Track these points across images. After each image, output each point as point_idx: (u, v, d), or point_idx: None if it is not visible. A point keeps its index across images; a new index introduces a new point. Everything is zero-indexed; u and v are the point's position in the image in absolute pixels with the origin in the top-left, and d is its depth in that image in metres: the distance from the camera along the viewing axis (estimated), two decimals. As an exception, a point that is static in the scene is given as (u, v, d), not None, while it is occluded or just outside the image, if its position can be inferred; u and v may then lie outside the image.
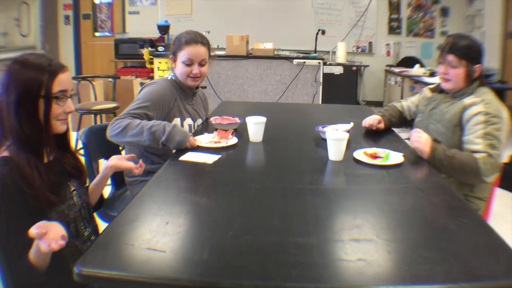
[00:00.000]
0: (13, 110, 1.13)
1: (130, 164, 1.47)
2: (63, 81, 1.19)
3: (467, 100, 1.79)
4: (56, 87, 1.17)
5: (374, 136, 2.02)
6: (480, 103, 1.74)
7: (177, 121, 1.99)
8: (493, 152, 1.64)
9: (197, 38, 2.01)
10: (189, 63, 1.99)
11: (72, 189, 1.30)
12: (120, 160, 1.47)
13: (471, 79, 1.82)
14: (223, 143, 1.78)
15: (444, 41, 1.88)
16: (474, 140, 1.69)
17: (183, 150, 1.70)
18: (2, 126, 1.16)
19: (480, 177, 1.62)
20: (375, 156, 1.64)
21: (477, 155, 1.64)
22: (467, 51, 1.79)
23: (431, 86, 2.09)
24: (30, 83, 1.14)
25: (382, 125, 2.09)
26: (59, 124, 1.22)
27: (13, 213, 1.09)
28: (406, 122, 2.18)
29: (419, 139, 1.68)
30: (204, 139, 1.81)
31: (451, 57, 1.81)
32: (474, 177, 1.65)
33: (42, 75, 1.15)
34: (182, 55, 1.99)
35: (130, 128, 1.74)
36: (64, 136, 1.30)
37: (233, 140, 1.83)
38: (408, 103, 2.18)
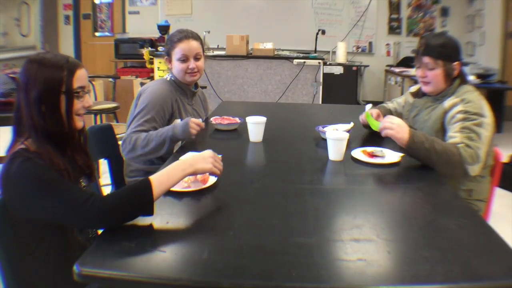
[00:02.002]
0: (35, 107, 1.16)
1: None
2: (81, 77, 1.23)
3: (448, 103, 1.74)
4: (76, 83, 1.21)
5: (374, 136, 2.01)
6: (460, 104, 1.69)
7: (177, 122, 1.99)
8: (471, 143, 1.58)
9: (188, 34, 2.03)
10: (184, 59, 2.01)
11: (83, 185, 1.31)
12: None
13: (450, 78, 1.78)
14: (194, 187, 1.34)
15: (418, 43, 1.83)
16: (452, 135, 1.65)
17: (183, 150, 1.70)
18: (20, 123, 1.19)
19: (463, 164, 1.54)
20: (372, 155, 1.64)
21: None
22: (442, 50, 1.74)
23: (412, 90, 2.05)
24: (51, 80, 1.16)
25: (381, 118, 2.01)
26: (78, 119, 1.25)
27: (60, 178, 1.10)
28: None
29: (392, 124, 1.57)
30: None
31: (426, 59, 1.76)
32: (457, 165, 1.55)
33: (61, 72, 1.18)
34: (176, 53, 2.01)
35: (139, 144, 1.80)
36: (78, 134, 1.32)
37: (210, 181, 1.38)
38: (395, 104, 2.15)
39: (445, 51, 1.75)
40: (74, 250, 1.23)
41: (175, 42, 2.01)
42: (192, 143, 1.87)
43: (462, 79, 1.80)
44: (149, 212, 1.09)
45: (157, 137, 1.80)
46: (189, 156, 1.21)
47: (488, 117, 1.66)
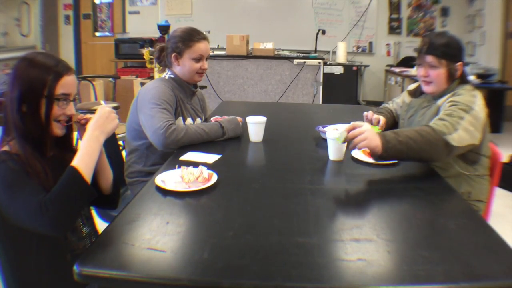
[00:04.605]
0: (16, 106, 1.15)
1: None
2: (67, 84, 1.19)
3: (441, 100, 1.73)
4: (59, 89, 1.18)
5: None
6: (451, 97, 1.67)
7: (179, 120, 1.98)
8: (446, 117, 1.53)
9: (204, 34, 2.05)
10: (199, 59, 2.02)
11: None
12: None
13: (453, 78, 1.74)
14: (194, 187, 1.33)
15: (421, 41, 1.78)
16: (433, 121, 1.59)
17: (183, 150, 1.70)
18: (7, 121, 1.18)
19: (441, 137, 1.48)
20: None
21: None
22: (446, 49, 1.70)
23: (410, 88, 2.02)
24: (34, 82, 1.15)
25: (382, 125, 1.99)
26: (57, 126, 1.22)
27: (24, 183, 1.08)
28: (396, 124, 2.09)
29: (361, 136, 1.41)
30: (173, 176, 1.39)
31: (430, 58, 1.71)
32: (436, 141, 1.47)
33: (47, 75, 1.16)
34: (193, 52, 2.00)
35: (188, 137, 1.79)
36: (68, 136, 1.30)
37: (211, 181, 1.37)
38: (394, 105, 2.13)
39: (449, 51, 1.71)
40: (67, 251, 1.23)
41: (194, 41, 2.00)
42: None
43: (463, 79, 1.76)
44: (92, 195, 1.10)
45: (206, 133, 1.84)
46: (93, 121, 1.18)
47: (479, 111, 1.60)
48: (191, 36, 2.01)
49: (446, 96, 1.72)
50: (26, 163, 1.12)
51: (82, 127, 1.26)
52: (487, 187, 1.79)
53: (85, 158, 1.11)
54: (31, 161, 1.13)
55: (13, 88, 1.15)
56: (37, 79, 1.15)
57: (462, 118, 1.55)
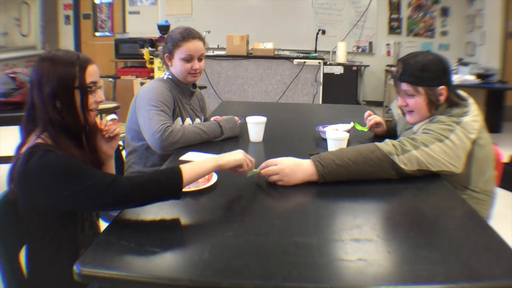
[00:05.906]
0: (50, 103, 1.18)
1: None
2: (93, 72, 1.25)
3: (416, 127, 1.57)
4: (88, 78, 1.23)
5: (374, 137, 2.02)
6: (426, 124, 1.50)
7: (178, 121, 1.98)
8: (397, 142, 1.39)
9: (194, 34, 2.00)
10: (189, 59, 1.98)
11: None
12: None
13: (437, 104, 1.52)
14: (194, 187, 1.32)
15: (396, 66, 1.58)
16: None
17: (183, 150, 1.70)
18: (32, 120, 1.21)
19: (387, 156, 1.36)
20: None
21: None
22: (421, 74, 1.48)
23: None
24: (64, 76, 1.19)
25: (379, 130, 1.97)
26: (91, 114, 1.28)
27: (83, 165, 1.13)
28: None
29: (276, 176, 1.33)
30: None
31: (405, 86, 1.52)
32: (380, 160, 1.36)
33: (73, 68, 1.20)
34: (181, 52, 1.97)
35: (185, 138, 1.80)
36: (93, 130, 1.34)
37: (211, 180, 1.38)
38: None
39: (426, 75, 1.49)
40: (84, 245, 1.24)
41: (181, 41, 1.96)
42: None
43: (452, 102, 1.53)
44: (176, 195, 1.12)
45: (204, 132, 1.84)
46: (223, 155, 1.28)
47: (455, 139, 1.42)
48: (181, 36, 1.98)
49: (423, 122, 1.56)
50: (69, 153, 1.15)
51: (100, 132, 1.37)
52: (486, 207, 1.66)
53: (194, 166, 1.18)
54: (73, 151, 1.18)
55: (41, 87, 1.17)
56: (66, 73, 1.19)
57: (427, 145, 1.39)
